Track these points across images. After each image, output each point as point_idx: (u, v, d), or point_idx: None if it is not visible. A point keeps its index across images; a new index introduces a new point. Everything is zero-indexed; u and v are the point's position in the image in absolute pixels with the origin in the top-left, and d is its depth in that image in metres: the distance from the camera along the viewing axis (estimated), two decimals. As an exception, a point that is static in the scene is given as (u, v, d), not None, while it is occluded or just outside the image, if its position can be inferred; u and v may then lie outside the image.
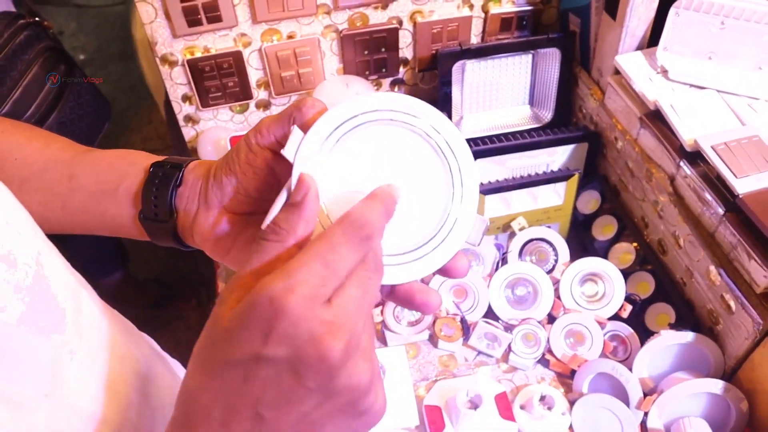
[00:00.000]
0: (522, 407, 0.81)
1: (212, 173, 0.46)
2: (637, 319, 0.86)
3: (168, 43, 0.91)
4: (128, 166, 0.49)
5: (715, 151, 0.74)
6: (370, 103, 0.39)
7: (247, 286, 0.34)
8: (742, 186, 0.71)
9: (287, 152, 0.39)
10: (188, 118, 1.01)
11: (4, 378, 0.34)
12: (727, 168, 0.72)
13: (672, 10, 0.80)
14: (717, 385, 0.74)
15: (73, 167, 0.50)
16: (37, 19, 0.96)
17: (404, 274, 0.40)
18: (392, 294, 0.42)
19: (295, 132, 0.39)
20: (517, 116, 1.03)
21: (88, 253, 1.34)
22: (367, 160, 0.39)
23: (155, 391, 0.50)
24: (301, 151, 0.39)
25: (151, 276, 1.84)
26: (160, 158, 0.49)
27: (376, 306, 0.88)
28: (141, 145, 2.23)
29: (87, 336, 0.42)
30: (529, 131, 0.99)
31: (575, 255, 0.90)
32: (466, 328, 0.87)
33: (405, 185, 0.39)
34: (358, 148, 0.39)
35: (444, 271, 0.41)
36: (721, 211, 0.73)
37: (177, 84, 0.96)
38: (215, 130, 1.00)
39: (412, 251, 0.40)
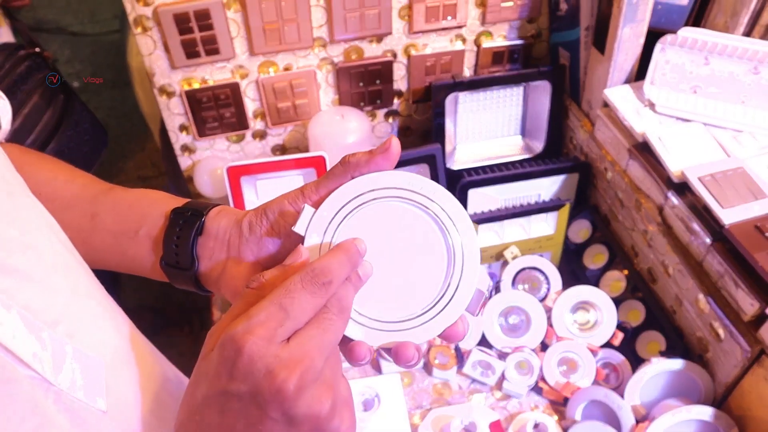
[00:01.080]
0: (516, 435, 0.82)
1: (247, 227, 0.46)
2: (629, 347, 0.87)
3: (166, 74, 0.93)
4: (148, 208, 0.50)
5: (701, 183, 0.76)
6: (376, 181, 0.43)
7: (224, 329, 0.38)
8: (728, 216, 0.73)
9: (298, 228, 0.43)
10: (185, 148, 1.02)
11: None
12: (713, 199, 0.75)
13: (658, 46, 0.83)
14: (707, 413, 0.75)
15: (95, 206, 0.51)
16: (37, 49, 0.98)
17: (403, 338, 0.43)
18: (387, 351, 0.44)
19: (306, 209, 0.43)
20: (509, 147, 1.05)
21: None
22: (370, 235, 0.43)
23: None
24: (311, 227, 0.42)
25: (145, 303, 1.83)
26: (181, 202, 0.50)
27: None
28: (134, 172, 2.23)
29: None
30: (521, 161, 1.01)
31: (567, 283, 0.92)
32: (460, 356, 0.88)
33: (406, 258, 0.43)
34: (363, 224, 0.43)
35: (442, 336, 0.43)
36: (708, 240, 0.75)
37: (174, 114, 0.97)
38: (211, 159, 1.01)
39: (413, 318, 0.43)
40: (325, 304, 0.39)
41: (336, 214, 0.43)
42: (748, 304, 0.71)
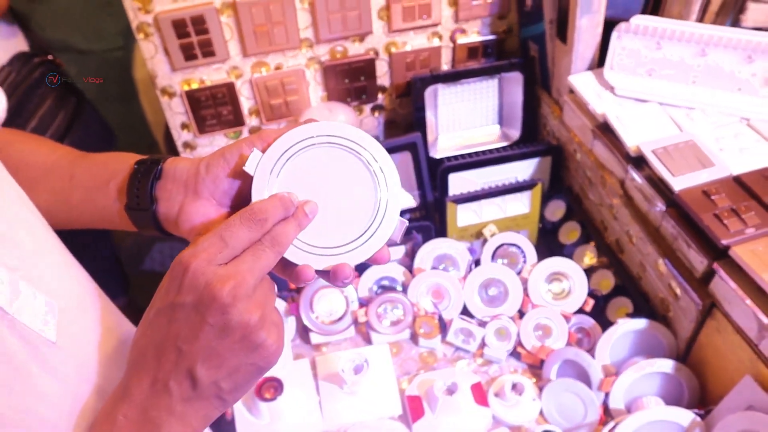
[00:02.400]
0: (496, 395, 0.88)
1: (204, 167, 0.52)
2: (600, 313, 0.94)
3: (167, 76, 1.01)
4: (117, 164, 0.57)
5: (655, 155, 0.83)
6: (313, 130, 0.50)
7: None
8: (678, 183, 0.80)
9: (248, 168, 0.50)
10: (186, 145, 1.10)
11: None
12: (665, 169, 0.82)
13: (614, 33, 0.90)
14: (669, 365, 0.82)
15: (73, 168, 0.59)
16: (49, 57, 1.07)
17: (338, 261, 0.50)
18: (326, 273, 0.51)
19: (255, 152, 0.50)
20: (488, 135, 1.13)
21: (94, 277, 1.42)
22: (308, 175, 0.50)
23: None
24: (259, 168, 0.50)
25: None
26: (145, 157, 0.56)
27: (362, 307, 0.96)
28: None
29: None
30: (498, 149, 1.09)
31: (543, 258, 0.98)
32: (443, 326, 0.95)
33: (340, 194, 0.50)
34: (302, 165, 0.50)
35: (371, 260, 0.51)
36: (663, 207, 0.82)
37: (176, 113, 1.06)
38: (211, 154, 1.09)
39: (348, 244, 0.51)
40: (261, 238, 0.47)
41: (280, 156, 0.50)
42: (698, 262, 0.77)
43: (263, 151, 0.50)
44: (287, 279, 0.51)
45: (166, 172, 0.54)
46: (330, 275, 0.51)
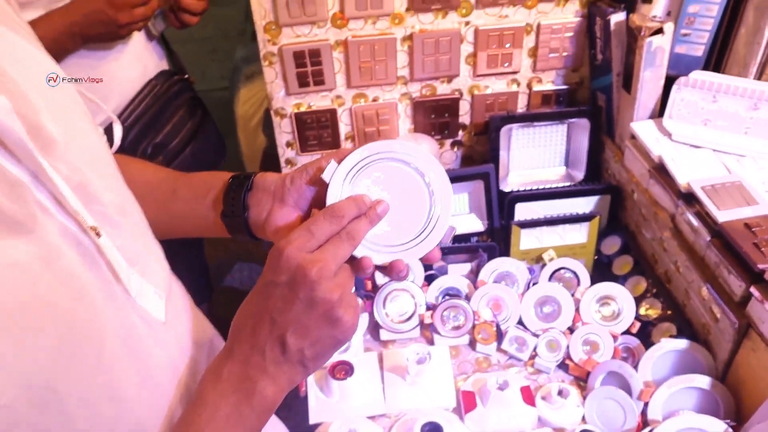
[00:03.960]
0: (543, 398, 0.97)
1: (290, 179, 0.64)
2: (646, 338, 1.02)
3: (281, 100, 1.20)
4: (215, 180, 0.68)
5: (703, 191, 0.93)
6: (380, 147, 0.62)
7: None
8: (723, 216, 0.89)
9: (325, 176, 0.61)
10: (288, 161, 1.28)
11: None
12: (712, 203, 0.91)
13: (674, 86, 1.02)
14: (705, 382, 0.89)
15: (176, 183, 0.71)
16: (186, 76, 1.29)
17: (396, 257, 0.61)
18: (385, 268, 0.61)
19: (332, 164, 0.61)
20: (554, 174, 1.25)
21: (185, 282, 1.60)
22: (374, 184, 0.62)
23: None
24: (334, 177, 0.61)
25: (230, 316, 2.07)
26: (238, 173, 0.68)
27: (428, 311, 1.08)
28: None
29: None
30: (563, 186, 1.20)
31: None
32: (500, 334, 1.05)
33: (400, 201, 0.61)
34: (369, 176, 0.62)
35: (424, 258, 0.62)
36: (707, 238, 0.91)
37: (283, 132, 1.24)
38: (309, 170, 1.26)
39: (403, 244, 0.61)
40: (339, 231, 0.57)
41: (352, 168, 0.61)
42: (737, 286, 0.86)
43: (338, 163, 0.61)
44: (353, 270, 0.60)
45: (257, 183, 0.65)
46: (387, 269, 0.61)
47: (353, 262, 0.60)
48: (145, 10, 1.11)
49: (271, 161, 1.26)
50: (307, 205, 0.65)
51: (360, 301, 1.11)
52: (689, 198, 0.97)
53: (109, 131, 0.65)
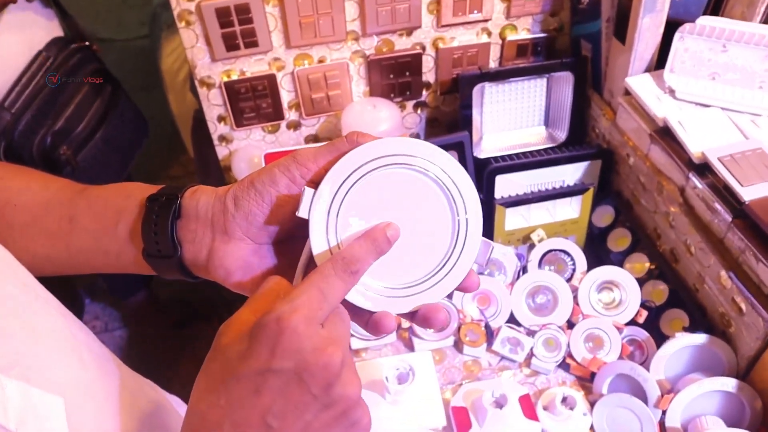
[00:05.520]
0: (545, 408, 0.85)
1: (232, 201, 0.44)
2: (653, 325, 0.90)
3: (207, 67, 0.98)
4: (124, 201, 0.49)
5: (721, 163, 0.80)
6: (372, 150, 0.42)
7: (247, 321, 0.38)
8: (748, 194, 0.76)
9: (302, 212, 0.42)
10: (222, 138, 1.07)
11: None
12: (733, 177, 0.78)
13: (677, 35, 0.86)
14: (731, 384, 0.78)
15: (72, 208, 0.50)
16: (86, 43, 1.04)
17: (421, 300, 0.44)
18: (413, 317, 0.45)
19: (306, 191, 0.42)
20: (534, 136, 1.09)
21: (113, 273, 1.40)
22: (372, 206, 0.43)
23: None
24: (314, 209, 0.42)
25: (174, 296, 1.89)
26: (155, 189, 0.48)
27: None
28: (162, 172, 2.29)
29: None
30: (545, 150, 1.05)
31: (591, 266, 0.95)
32: (490, 334, 0.92)
33: (414, 222, 0.43)
34: (366, 198, 0.43)
35: (460, 288, 0.45)
36: (729, 218, 0.78)
37: (213, 105, 1.02)
38: (248, 148, 1.06)
39: (428, 278, 0.44)
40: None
41: (338, 190, 0.42)
42: (768, 277, 0.74)
43: (313, 185, 0.43)
44: (363, 329, 0.45)
45: (187, 209, 0.46)
46: (418, 318, 0.44)
47: (358, 316, 0.44)
48: None
49: (204, 128, 1.05)
50: (267, 236, 0.45)
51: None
52: (702, 169, 0.83)
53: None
